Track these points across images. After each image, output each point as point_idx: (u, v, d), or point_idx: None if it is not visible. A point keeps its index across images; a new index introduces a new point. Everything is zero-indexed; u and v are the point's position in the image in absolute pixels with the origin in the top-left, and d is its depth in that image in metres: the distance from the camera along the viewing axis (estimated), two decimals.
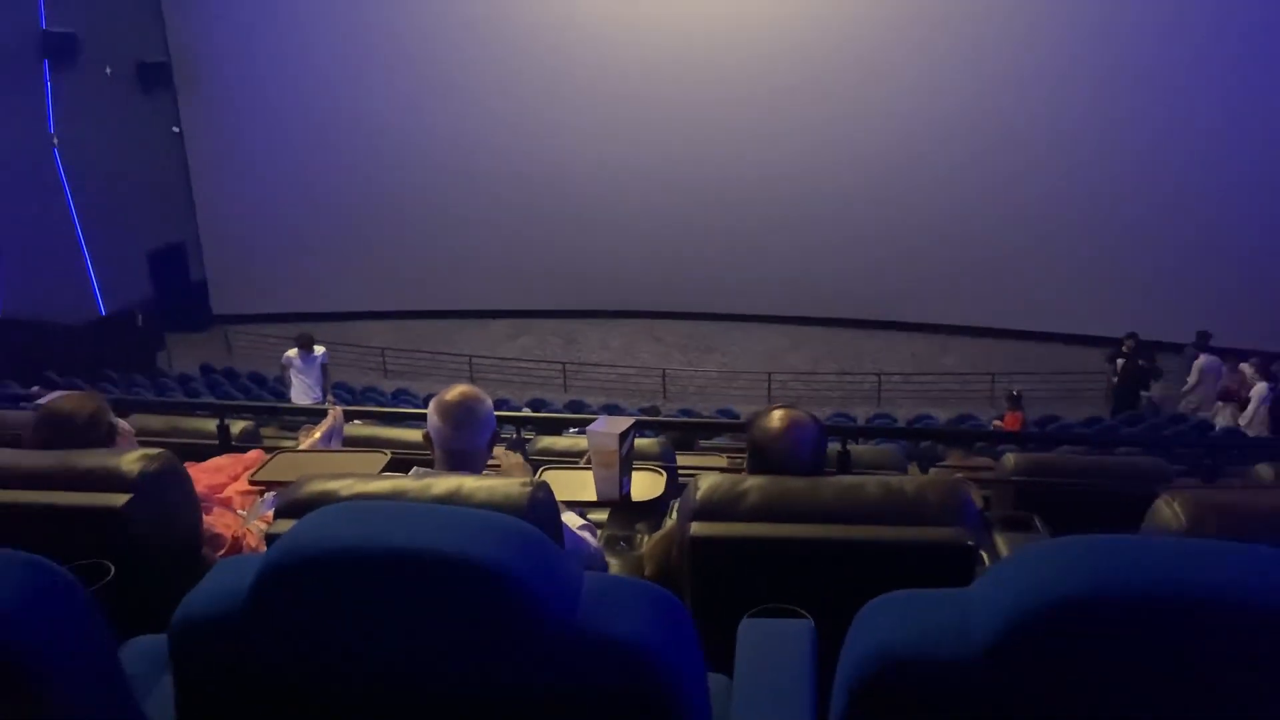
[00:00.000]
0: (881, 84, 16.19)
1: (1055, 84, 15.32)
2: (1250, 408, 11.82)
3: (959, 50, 15.72)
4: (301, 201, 17.84)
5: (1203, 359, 12.88)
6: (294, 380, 11.81)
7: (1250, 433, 11.52)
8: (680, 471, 4.38)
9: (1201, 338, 13.29)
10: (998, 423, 11.96)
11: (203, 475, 3.17)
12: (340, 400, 11.27)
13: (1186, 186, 15.00)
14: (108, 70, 16.22)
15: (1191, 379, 12.87)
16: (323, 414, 4.46)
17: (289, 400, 11.51)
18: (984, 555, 2.19)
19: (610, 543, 2.87)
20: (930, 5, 15.77)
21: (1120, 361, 13.51)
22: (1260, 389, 11.74)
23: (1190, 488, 3.82)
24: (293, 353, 11.86)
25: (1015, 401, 12.11)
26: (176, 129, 17.83)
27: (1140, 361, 13.31)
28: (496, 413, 2.72)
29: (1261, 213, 14.75)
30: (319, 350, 11.98)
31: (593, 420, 3.43)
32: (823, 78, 16.39)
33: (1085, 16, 14.98)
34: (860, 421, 12.64)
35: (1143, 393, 13.48)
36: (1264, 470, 4.27)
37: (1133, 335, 13.57)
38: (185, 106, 17.77)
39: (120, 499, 2.32)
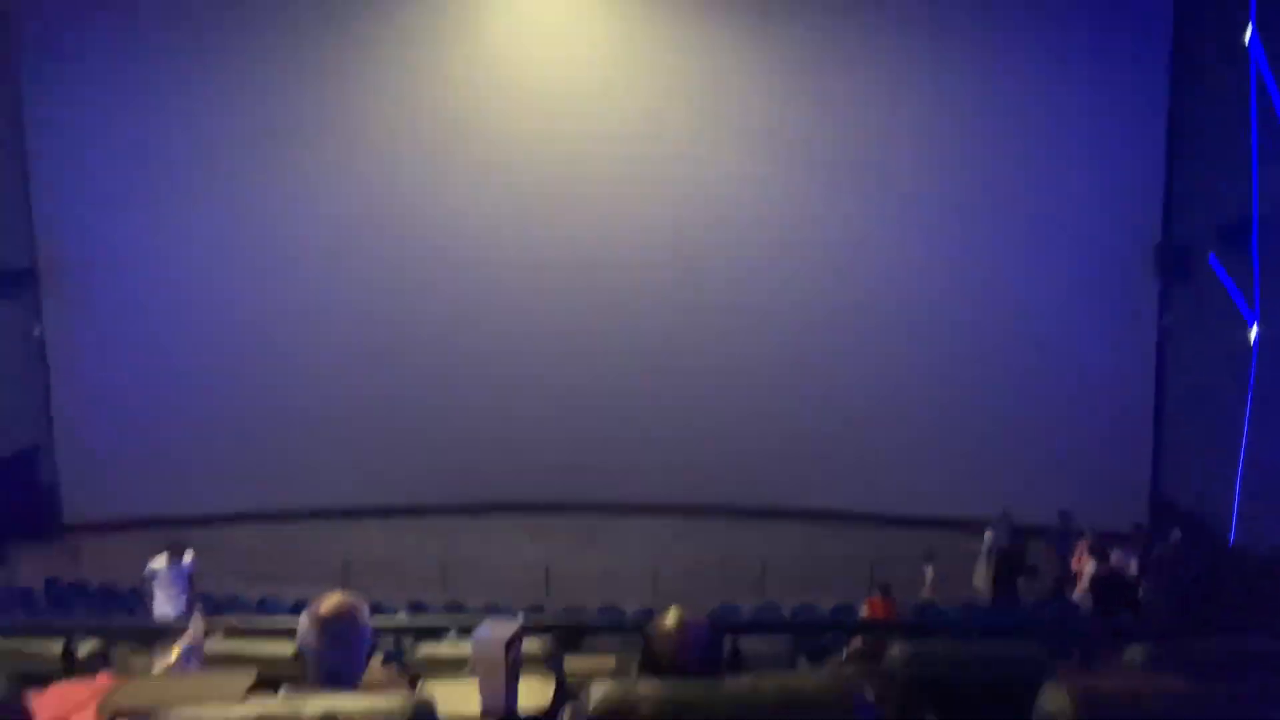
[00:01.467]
0: (755, 275, 17.09)
1: (915, 283, 16.48)
2: (1080, 585, 12.50)
3: (822, 251, 16.81)
4: (164, 402, 17.37)
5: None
6: (157, 592, 11.08)
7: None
8: (569, 675, 4.22)
9: (1064, 517, 13.93)
10: (865, 610, 12.01)
11: (46, 706, 2.90)
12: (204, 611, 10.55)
13: (1037, 374, 16.05)
14: None
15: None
16: (181, 630, 4.17)
17: (146, 614, 10.75)
18: None
19: None
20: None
21: (988, 534, 13.99)
22: (1088, 568, 12.44)
23: (1072, 674, 3.88)
24: (160, 562, 11.15)
25: (885, 590, 12.26)
26: (38, 332, 17.27)
27: (1013, 548, 13.81)
28: (374, 618, 2.60)
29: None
30: (187, 558, 11.30)
31: (475, 623, 3.30)
32: (698, 268, 17.20)
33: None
34: (746, 611, 12.55)
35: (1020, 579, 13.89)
36: (1134, 653, 4.38)
37: (1006, 515, 14.13)
38: (49, 309, 17.29)
39: None
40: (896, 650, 4.24)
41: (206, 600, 13.24)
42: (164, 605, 10.92)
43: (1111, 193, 15.34)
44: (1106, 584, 12.07)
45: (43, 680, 3.36)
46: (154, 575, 11.11)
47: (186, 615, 10.02)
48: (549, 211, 17.36)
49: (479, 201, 17.38)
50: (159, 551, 11.50)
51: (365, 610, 2.52)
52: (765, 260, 17.04)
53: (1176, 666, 2.68)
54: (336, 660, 2.39)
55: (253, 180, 17.20)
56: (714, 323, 17.24)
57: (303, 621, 2.44)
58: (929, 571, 13.79)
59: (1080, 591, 12.78)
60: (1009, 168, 15.88)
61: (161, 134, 17.04)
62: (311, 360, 17.48)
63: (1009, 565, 13.72)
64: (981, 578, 14.15)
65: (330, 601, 2.48)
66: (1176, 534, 12.59)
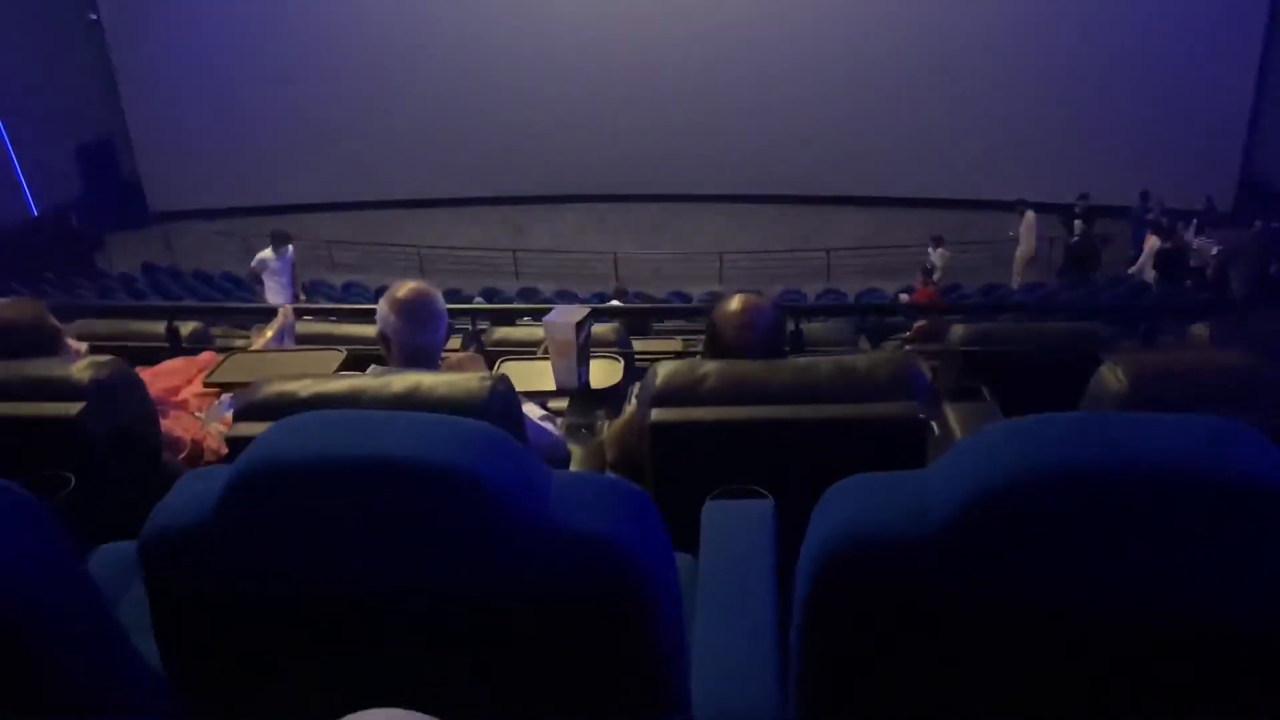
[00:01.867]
0: None
1: None
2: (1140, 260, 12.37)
3: None
4: (235, 90, 17.09)
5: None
6: (266, 281, 11.29)
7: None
8: (636, 357, 4.42)
9: (1144, 197, 13.59)
10: (905, 296, 12.11)
11: (156, 379, 3.13)
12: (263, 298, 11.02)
13: (1121, 43, 14.95)
14: None
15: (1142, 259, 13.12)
16: (272, 313, 4.40)
17: (251, 300, 11.21)
18: (934, 426, 2.25)
19: (572, 431, 2.90)
20: None
21: (1077, 223, 13.75)
22: (1152, 243, 12.29)
23: (1130, 351, 3.94)
24: (267, 253, 11.30)
25: (928, 275, 12.25)
26: (94, 16, 16.88)
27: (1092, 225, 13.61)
28: (450, 305, 2.70)
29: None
30: (290, 248, 11.51)
31: (547, 309, 3.43)
32: None
33: None
34: (811, 297, 12.78)
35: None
36: (1199, 330, 4.41)
37: (1084, 196, 13.80)
38: None
39: (73, 408, 2.28)
40: (959, 329, 4.35)
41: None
42: (274, 294, 11.12)
43: None
44: (1168, 258, 11.99)
45: (151, 358, 3.61)
46: (263, 265, 11.32)
47: (296, 301, 10.52)
48: None
49: None
50: (263, 242, 11.75)
51: (440, 296, 2.61)
52: None
53: (1241, 342, 2.67)
54: (416, 342, 2.51)
55: None
56: (777, 12, 16.13)
57: (381, 306, 2.55)
58: (935, 255, 13.53)
59: (1137, 268, 12.78)
60: None
61: None
62: (385, 53, 16.96)
63: (1083, 250, 13.56)
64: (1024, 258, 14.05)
65: (406, 287, 2.57)
66: (1258, 224, 12.20)
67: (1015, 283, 13.83)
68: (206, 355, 3.66)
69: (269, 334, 4.13)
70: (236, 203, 17.56)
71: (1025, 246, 14.03)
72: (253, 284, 11.84)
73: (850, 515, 0.97)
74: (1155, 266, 12.20)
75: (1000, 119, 15.78)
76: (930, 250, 13.76)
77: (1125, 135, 14.98)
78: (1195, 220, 13.05)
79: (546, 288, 14.05)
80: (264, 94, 17.15)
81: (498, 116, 17.21)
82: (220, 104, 17.15)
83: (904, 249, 15.38)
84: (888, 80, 16.10)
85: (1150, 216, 13.22)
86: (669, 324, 7.61)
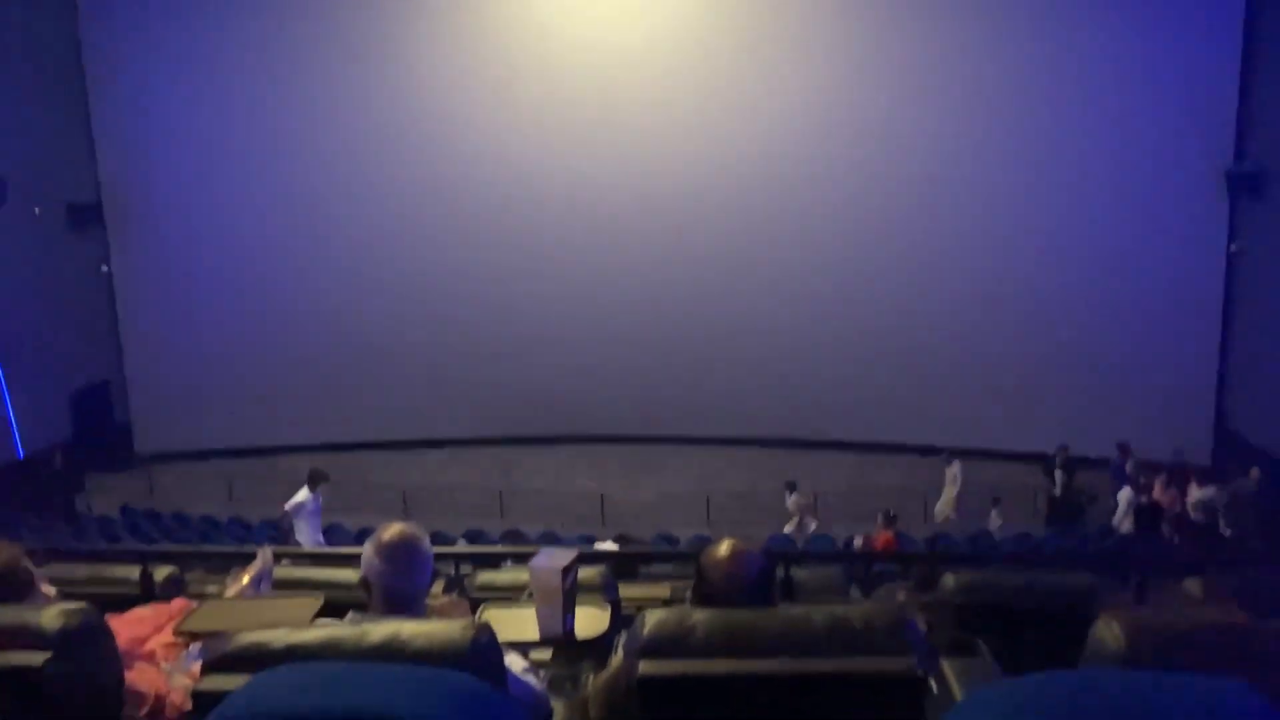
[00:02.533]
0: (807, 212, 16.81)
1: (981, 215, 16.07)
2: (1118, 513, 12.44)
3: (885, 176, 16.45)
4: (229, 336, 17.71)
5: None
6: (300, 524, 10.82)
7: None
8: (623, 603, 4.31)
9: (1122, 450, 13.77)
10: (859, 541, 12.05)
11: (124, 628, 3.03)
12: (294, 541, 10.74)
13: (1100, 305, 15.67)
14: (37, 210, 16.14)
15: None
16: (250, 556, 4.31)
17: (227, 544, 10.92)
18: (932, 683, 2.18)
19: (555, 684, 2.79)
20: (861, 135, 16.55)
21: (1058, 474, 13.91)
22: (1126, 495, 12.38)
23: (1125, 607, 3.87)
24: (303, 495, 10.85)
25: (890, 521, 12.27)
26: (106, 268, 17.68)
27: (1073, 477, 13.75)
28: (433, 547, 2.67)
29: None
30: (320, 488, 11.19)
31: (533, 552, 3.38)
32: (749, 207, 16.97)
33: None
34: (800, 542, 12.66)
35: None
36: (1192, 586, 4.35)
37: (1064, 447, 14.03)
38: (115, 245, 17.69)
39: (39, 658, 2.20)
40: (950, 579, 4.27)
41: (274, 529, 13.71)
42: (305, 536, 10.74)
43: (1184, 114, 14.74)
44: (1142, 513, 12.03)
45: (122, 604, 3.51)
46: (300, 508, 10.88)
47: (321, 545, 10.15)
48: (604, 149, 17.19)
49: (540, 143, 17.27)
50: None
51: (426, 539, 2.58)
52: (819, 191, 16.74)
53: (1236, 600, 2.65)
54: (400, 587, 2.47)
55: (316, 120, 17.24)
56: (768, 257, 17.06)
57: (366, 550, 2.52)
58: (790, 502, 13.91)
59: (1117, 520, 12.77)
60: (1080, 92, 15.30)
61: (225, 69, 17.12)
62: (373, 297, 17.70)
63: (1068, 501, 13.67)
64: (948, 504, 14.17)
65: (393, 530, 2.55)
66: (1256, 471, 12.35)
67: (939, 522, 13.95)
68: (178, 602, 3.56)
69: (245, 579, 4.02)
70: (221, 444, 17.70)
71: (948, 495, 14.29)
72: (284, 529, 11.22)
73: None
74: (1135, 523, 12.26)
75: (982, 369, 16.32)
76: (787, 495, 14.13)
77: (1103, 388, 15.46)
78: (1166, 473, 13.18)
79: (532, 529, 13.89)
80: (257, 340, 17.76)
81: (487, 358, 17.71)
82: (214, 349, 17.75)
83: (892, 493, 15.41)
84: (874, 330, 16.79)
85: (1128, 469, 13.39)
86: (656, 568, 7.47)
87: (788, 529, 13.96)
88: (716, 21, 16.87)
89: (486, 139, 17.34)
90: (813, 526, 14.10)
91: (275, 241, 17.52)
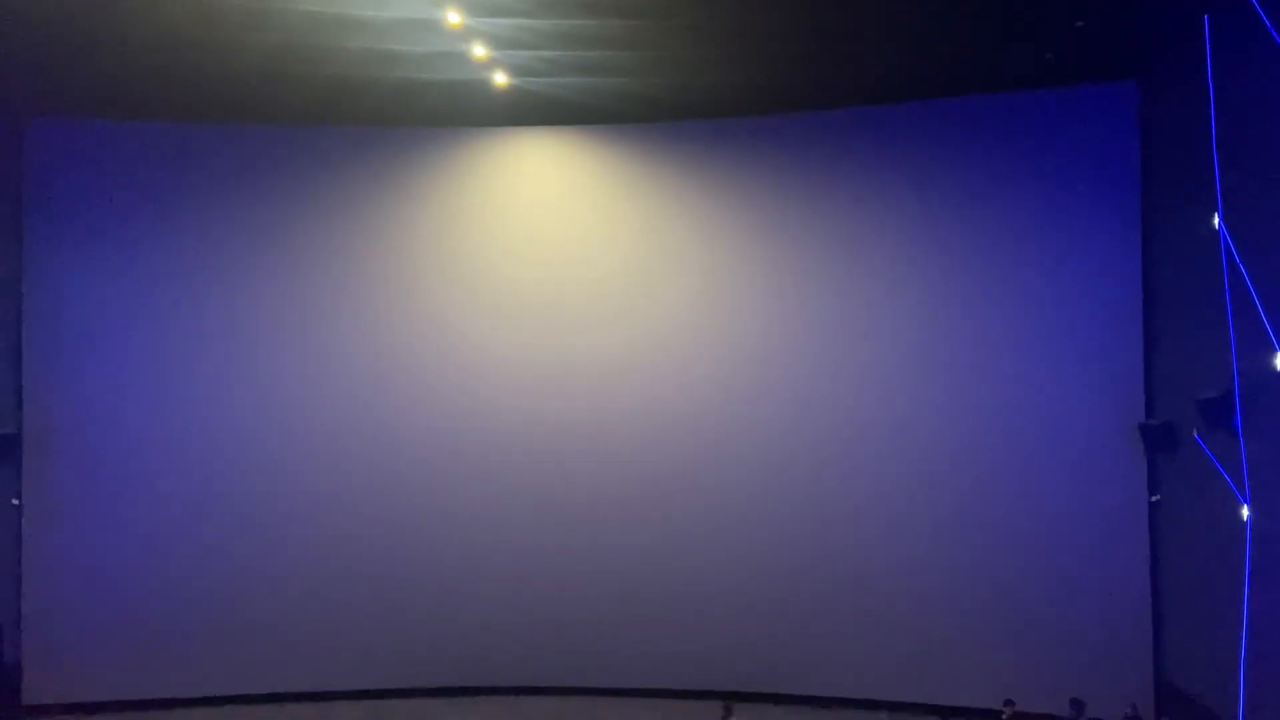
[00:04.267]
0: (743, 471, 17.04)
1: (907, 471, 16.43)
2: None
3: (817, 423, 16.85)
4: (138, 577, 16.93)
5: None
6: None
7: None
8: None
9: (1076, 706, 13.49)
10: None
11: None
12: None
13: (1033, 558, 15.79)
14: None
15: None
16: None
17: None
18: None
19: None
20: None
21: None
22: None
23: None
24: None
25: None
26: (16, 501, 16.96)
27: None
28: None
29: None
30: None
31: None
32: (690, 442, 17.19)
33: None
34: None
35: None
36: None
37: (1010, 702, 13.72)
38: (29, 479, 17.02)
39: None
40: None
41: None
42: None
43: (1094, 369, 15.48)
44: None
45: None
46: None
47: None
48: (538, 387, 17.47)
49: (476, 388, 17.51)
50: None
51: None
52: (752, 450, 17.01)
53: None
54: None
55: (244, 361, 17.32)
56: (705, 502, 17.08)
57: None
58: None
59: None
60: (989, 341, 16.10)
61: (158, 311, 17.27)
62: (290, 541, 17.18)
63: None
64: None
65: None
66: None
67: None
68: None
69: None
70: (120, 695, 16.58)
71: None
72: None
73: None
74: None
75: (916, 626, 16.14)
76: None
77: (1041, 641, 15.34)
78: None
79: None
80: (167, 587, 16.98)
81: (407, 602, 17.10)
82: (119, 592, 16.88)
83: None
84: (809, 581, 16.63)
85: None
86: None
87: None
88: (651, 269, 17.64)
89: (425, 373, 17.53)
90: None
91: (191, 488, 17.08)
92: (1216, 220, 12.61)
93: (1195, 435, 13.56)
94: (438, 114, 16.85)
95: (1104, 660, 14.88)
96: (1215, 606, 12.96)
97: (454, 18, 12.68)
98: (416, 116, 17.01)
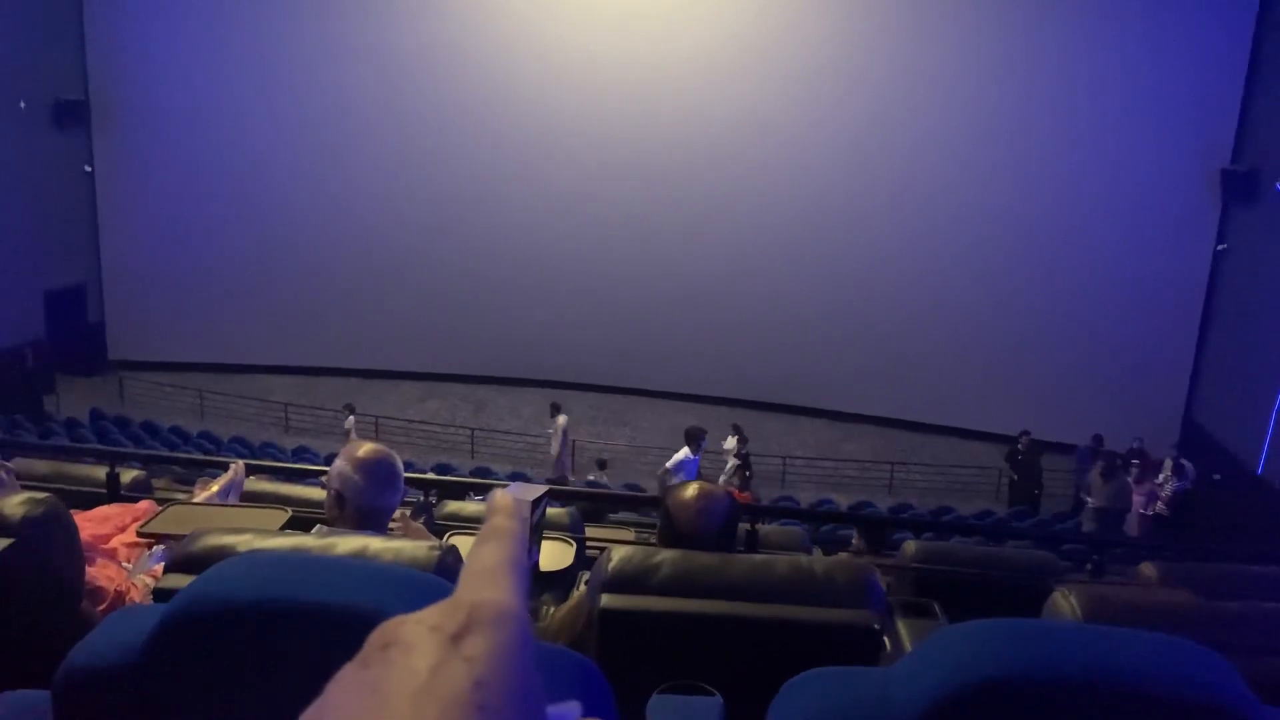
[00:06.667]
0: (793, 188, 16.70)
1: (966, 194, 16.01)
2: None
3: (872, 160, 16.34)
4: (209, 250, 17.44)
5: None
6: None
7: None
8: (589, 543, 4.34)
9: (1096, 441, 13.91)
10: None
11: (88, 524, 3.01)
12: (240, 455, 10.88)
13: (1079, 293, 15.74)
14: (22, 105, 15.79)
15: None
16: (222, 466, 4.31)
17: (184, 451, 11.06)
18: (886, 640, 2.21)
19: None
20: (856, 110, 16.40)
21: (1019, 459, 14.07)
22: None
23: (1080, 583, 3.95)
24: (683, 454, 11.10)
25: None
26: (89, 168, 17.35)
27: (1035, 456, 13.88)
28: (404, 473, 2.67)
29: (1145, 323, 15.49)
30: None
31: (502, 485, 3.38)
32: (732, 168, 16.82)
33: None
34: (765, 503, 12.76)
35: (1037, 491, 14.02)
36: (1147, 569, 4.44)
37: (1026, 433, 14.15)
38: (99, 146, 17.32)
39: (1, 543, 2.19)
40: (911, 545, 4.34)
41: (244, 445, 13.70)
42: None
43: (1183, 110, 14.70)
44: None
45: (88, 502, 3.49)
46: (680, 466, 11.40)
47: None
48: (595, 104, 16.96)
49: (530, 101, 17.02)
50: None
51: (399, 460, 2.59)
52: (805, 170, 16.61)
53: (1189, 584, 2.70)
54: (373, 503, 2.47)
55: (317, 36, 16.84)
56: (753, 221, 16.93)
57: (339, 465, 2.51)
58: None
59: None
60: (1080, 84, 15.18)
61: None
62: (354, 225, 17.47)
63: (1027, 486, 13.85)
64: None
65: (369, 447, 2.55)
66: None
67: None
68: (144, 504, 3.54)
69: (215, 487, 4.01)
70: (194, 358, 17.57)
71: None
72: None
73: (813, 708, 0.94)
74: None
75: (958, 349, 16.36)
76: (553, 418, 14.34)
77: (1074, 376, 15.58)
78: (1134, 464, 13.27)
79: (501, 469, 13.95)
80: (236, 256, 17.50)
81: (466, 295, 17.59)
82: (193, 262, 17.46)
83: (860, 464, 15.58)
84: (852, 304, 16.76)
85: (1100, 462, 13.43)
86: (623, 514, 7.54)
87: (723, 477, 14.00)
88: (707, 20, 16.60)
89: (480, 89, 17.03)
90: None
91: (265, 156, 17.20)
92: None
93: (1277, 186, 13.03)
94: None
95: (1134, 399, 15.15)
96: (1260, 358, 13.02)
97: None
98: None
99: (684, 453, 11.08)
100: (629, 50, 16.78)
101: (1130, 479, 12.47)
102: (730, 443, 13.68)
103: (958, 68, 15.77)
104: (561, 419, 14.33)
